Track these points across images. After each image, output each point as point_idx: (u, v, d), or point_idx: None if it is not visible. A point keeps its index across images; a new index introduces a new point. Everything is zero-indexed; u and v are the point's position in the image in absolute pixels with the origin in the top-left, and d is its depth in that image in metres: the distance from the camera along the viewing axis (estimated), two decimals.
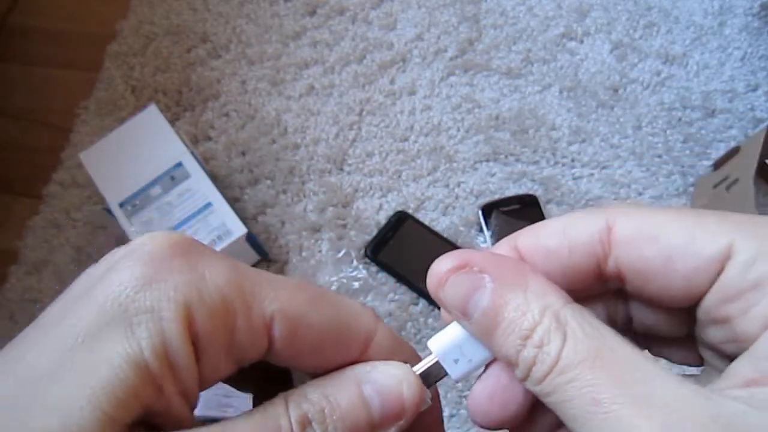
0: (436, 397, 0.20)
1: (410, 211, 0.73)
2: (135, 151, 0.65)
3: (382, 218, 0.73)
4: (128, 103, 0.84)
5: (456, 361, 0.19)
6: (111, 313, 0.16)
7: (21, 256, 0.75)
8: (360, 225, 0.73)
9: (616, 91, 0.80)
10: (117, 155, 0.65)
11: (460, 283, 0.18)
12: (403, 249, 0.71)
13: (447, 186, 0.75)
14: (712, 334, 0.17)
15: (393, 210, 0.74)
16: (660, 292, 0.17)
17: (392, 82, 0.83)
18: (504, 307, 0.17)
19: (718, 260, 0.16)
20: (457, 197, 0.74)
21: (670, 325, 0.19)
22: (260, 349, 0.18)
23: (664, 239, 0.16)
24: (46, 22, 0.94)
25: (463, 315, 0.18)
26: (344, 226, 0.73)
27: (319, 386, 0.18)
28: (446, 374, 0.20)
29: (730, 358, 0.16)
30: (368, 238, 0.72)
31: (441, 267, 0.18)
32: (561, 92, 0.80)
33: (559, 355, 0.16)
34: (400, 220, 0.72)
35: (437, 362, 0.19)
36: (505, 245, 0.19)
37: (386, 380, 0.18)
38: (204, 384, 0.17)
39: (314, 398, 0.17)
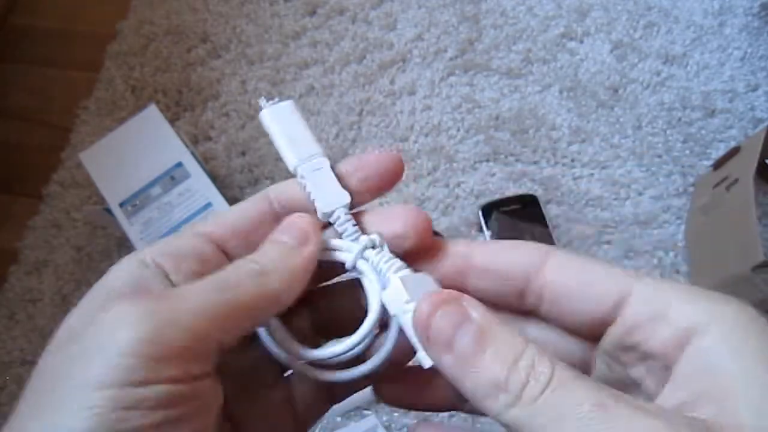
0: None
1: None
2: (135, 151, 0.65)
3: None
4: (128, 103, 0.84)
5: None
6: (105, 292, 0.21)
7: (21, 256, 0.75)
8: None
9: (616, 91, 0.80)
10: (117, 155, 0.65)
11: (450, 314, 0.19)
12: None
13: (447, 186, 0.75)
14: (624, 357, 0.21)
15: None
16: (573, 314, 0.21)
17: (392, 82, 0.83)
18: (493, 337, 0.19)
19: (620, 295, 0.20)
20: (457, 197, 0.74)
21: (570, 348, 0.23)
22: None
23: (585, 272, 0.21)
24: (46, 22, 0.94)
25: (447, 346, 0.19)
26: None
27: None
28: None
29: (631, 384, 0.20)
30: None
31: (427, 304, 0.20)
32: (561, 92, 0.80)
33: (553, 373, 0.17)
34: None
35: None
36: (458, 252, 0.23)
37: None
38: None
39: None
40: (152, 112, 0.67)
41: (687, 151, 0.76)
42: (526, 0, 0.87)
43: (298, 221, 0.23)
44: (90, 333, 0.18)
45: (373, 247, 0.24)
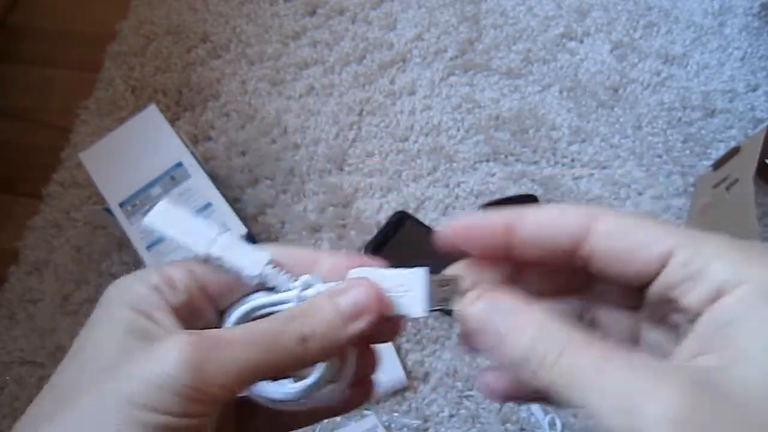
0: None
1: (410, 211, 0.73)
2: (135, 151, 0.65)
3: (382, 218, 0.73)
4: (128, 103, 0.84)
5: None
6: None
7: (21, 256, 0.75)
8: (360, 225, 0.73)
9: (616, 91, 0.80)
10: (117, 155, 0.65)
11: (482, 306, 0.23)
12: (403, 249, 0.71)
13: (447, 186, 0.75)
14: (664, 308, 0.23)
15: (393, 210, 0.74)
16: (620, 274, 0.23)
17: (392, 82, 0.83)
18: (517, 319, 0.22)
19: (662, 258, 0.21)
20: (457, 197, 0.74)
21: (621, 302, 0.25)
22: None
23: (630, 238, 0.22)
24: (46, 22, 0.94)
25: (484, 333, 0.23)
26: (344, 226, 0.73)
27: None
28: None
29: (675, 327, 0.23)
30: (368, 238, 0.72)
31: (464, 303, 0.24)
32: (561, 92, 0.80)
33: (566, 343, 0.20)
34: (400, 220, 0.72)
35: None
36: (502, 218, 0.24)
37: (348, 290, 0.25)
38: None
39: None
40: (152, 112, 0.67)
41: (687, 151, 0.76)
42: (526, 0, 0.87)
43: (358, 290, 0.24)
44: (141, 359, 0.21)
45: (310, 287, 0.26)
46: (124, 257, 0.73)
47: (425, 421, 0.63)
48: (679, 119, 0.77)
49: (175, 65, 0.86)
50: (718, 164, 0.70)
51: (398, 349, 0.65)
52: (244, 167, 0.78)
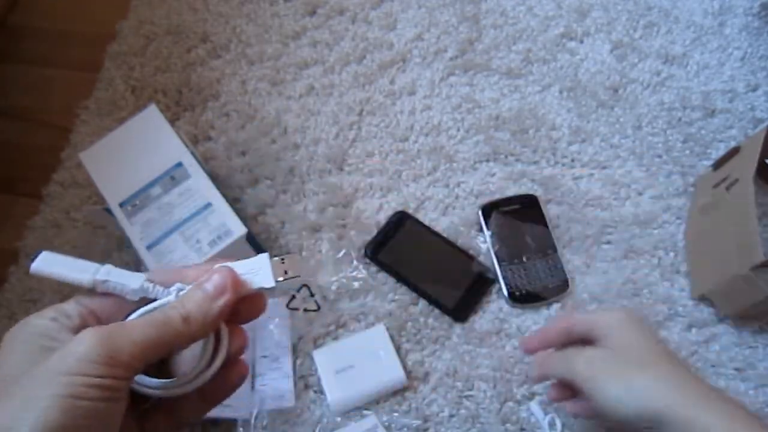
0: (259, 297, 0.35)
1: (410, 211, 0.73)
2: (135, 151, 0.65)
3: (382, 218, 0.73)
4: (128, 103, 0.84)
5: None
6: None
7: (21, 256, 0.75)
8: (360, 225, 0.73)
9: (616, 91, 0.80)
10: (117, 155, 0.65)
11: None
12: (403, 249, 0.71)
13: (447, 186, 0.75)
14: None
15: (393, 210, 0.74)
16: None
17: (392, 82, 0.83)
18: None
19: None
20: (457, 197, 0.74)
21: None
22: None
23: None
24: (46, 22, 0.94)
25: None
26: (344, 226, 0.73)
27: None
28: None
29: None
30: (368, 238, 0.72)
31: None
32: (561, 92, 0.80)
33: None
34: (400, 220, 0.72)
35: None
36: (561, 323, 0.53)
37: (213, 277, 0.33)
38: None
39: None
40: (152, 112, 0.67)
41: (687, 151, 0.76)
42: (526, 0, 0.88)
43: (217, 275, 0.32)
44: (58, 352, 0.27)
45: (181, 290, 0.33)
46: (124, 257, 0.73)
47: (425, 421, 0.63)
48: (679, 119, 0.78)
49: (175, 65, 0.86)
50: (718, 164, 0.70)
51: (398, 349, 0.65)
52: (244, 167, 0.78)
